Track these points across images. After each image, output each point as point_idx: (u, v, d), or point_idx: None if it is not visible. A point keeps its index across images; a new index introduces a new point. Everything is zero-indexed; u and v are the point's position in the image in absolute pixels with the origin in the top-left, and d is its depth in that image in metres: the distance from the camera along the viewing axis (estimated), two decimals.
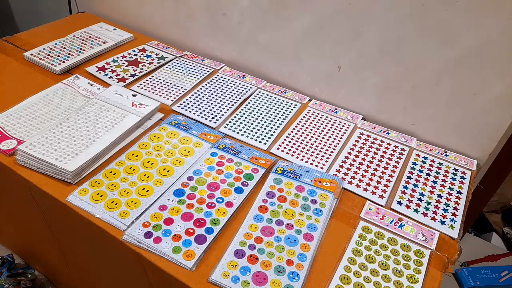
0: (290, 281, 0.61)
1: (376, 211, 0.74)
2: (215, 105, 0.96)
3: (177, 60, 1.11)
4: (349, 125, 0.94)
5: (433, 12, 0.77)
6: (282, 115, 0.95)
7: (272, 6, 0.96)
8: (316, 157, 0.85)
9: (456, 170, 0.85)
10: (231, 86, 1.03)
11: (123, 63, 1.07)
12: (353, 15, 0.86)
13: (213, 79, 1.05)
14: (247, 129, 0.91)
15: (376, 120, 0.97)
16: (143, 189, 0.73)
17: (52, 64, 1.01)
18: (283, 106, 0.98)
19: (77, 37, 1.14)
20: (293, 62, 1.02)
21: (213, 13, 1.07)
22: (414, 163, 0.85)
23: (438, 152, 0.88)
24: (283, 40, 1.00)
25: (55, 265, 1.08)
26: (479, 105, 0.82)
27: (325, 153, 0.86)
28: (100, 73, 1.02)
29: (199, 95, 0.99)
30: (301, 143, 0.88)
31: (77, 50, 1.08)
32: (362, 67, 0.92)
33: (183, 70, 1.07)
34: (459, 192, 0.80)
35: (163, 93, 0.98)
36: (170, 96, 0.98)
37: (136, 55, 1.11)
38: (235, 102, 0.98)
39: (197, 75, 1.06)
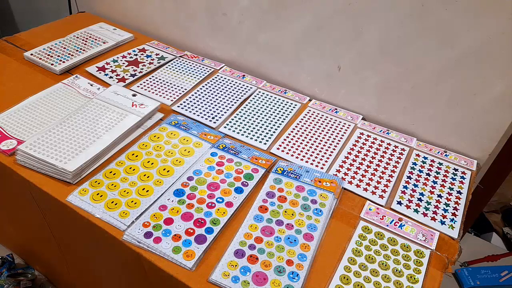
0: (290, 281, 0.61)
1: (376, 211, 0.74)
2: (215, 105, 0.96)
3: (177, 60, 1.11)
4: (349, 125, 0.94)
5: (433, 12, 0.77)
6: (282, 115, 0.95)
7: (272, 6, 0.96)
8: (316, 157, 0.85)
9: (456, 170, 0.85)
10: (231, 86, 1.03)
11: (123, 63, 1.07)
12: (353, 15, 0.86)
13: (213, 79, 1.05)
14: (247, 129, 0.91)
15: (376, 120, 0.97)
16: (143, 189, 0.73)
17: (52, 64, 1.02)
18: (283, 106, 0.98)
19: (77, 37, 1.14)
20: (293, 62, 1.02)
21: (213, 13, 1.07)
22: (414, 163, 0.85)
23: (438, 152, 0.88)
24: (283, 40, 1.00)
25: (55, 265, 1.08)
26: (479, 105, 0.82)
27: (325, 153, 0.86)
28: (100, 73, 1.02)
29: (199, 95, 0.99)
30: (301, 143, 0.88)
31: (77, 50, 1.08)
32: (362, 67, 0.92)
33: (183, 70, 1.07)
34: (459, 192, 0.80)
35: (163, 93, 0.98)
36: (170, 96, 0.98)
37: (136, 55, 1.11)
38: (235, 102, 0.98)
39: (197, 75, 1.06)
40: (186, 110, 0.94)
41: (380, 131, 0.93)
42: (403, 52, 0.85)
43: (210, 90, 1.01)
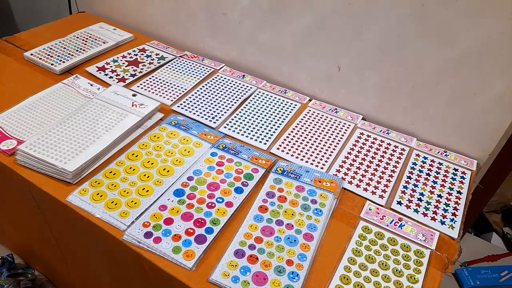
0: (290, 281, 0.61)
1: (376, 211, 0.74)
2: (215, 105, 0.96)
3: (177, 60, 1.11)
4: (349, 125, 0.94)
5: (433, 12, 0.77)
6: (282, 115, 0.95)
7: (272, 6, 0.96)
8: (316, 157, 0.85)
9: (456, 170, 0.85)
10: (231, 86, 1.03)
11: (123, 63, 1.07)
12: (353, 15, 0.86)
13: (213, 79, 1.05)
14: (247, 129, 0.91)
15: (376, 120, 0.97)
16: (143, 189, 0.73)
17: (52, 64, 1.02)
18: (283, 106, 0.98)
19: (77, 37, 1.14)
20: (293, 62, 1.02)
21: (213, 13, 1.07)
22: (414, 163, 0.85)
23: (438, 152, 0.88)
24: (283, 40, 1.00)
25: (55, 265, 1.08)
26: (479, 105, 0.82)
27: (325, 153, 0.86)
28: (100, 73, 1.02)
29: (199, 95, 0.99)
30: (301, 143, 0.88)
31: (77, 50, 1.08)
32: (362, 67, 0.92)
33: (183, 70, 1.07)
34: (459, 192, 0.80)
35: (163, 93, 0.98)
36: (170, 96, 0.98)
37: (136, 55, 1.11)
38: (235, 102, 0.98)
39: (197, 75, 1.06)
40: (186, 110, 0.94)
41: (380, 131, 0.93)
42: (403, 52, 0.85)
43: (210, 90, 1.01)
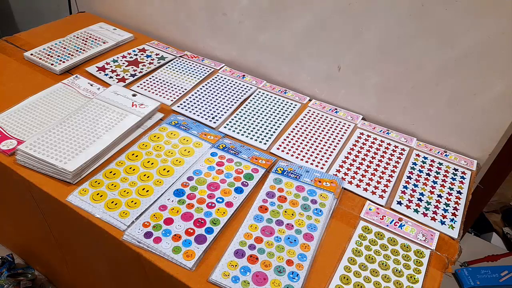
0: (290, 281, 0.61)
1: (376, 211, 0.74)
2: (215, 105, 0.96)
3: (177, 60, 1.11)
4: (349, 125, 0.94)
5: (433, 12, 0.77)
6: (282, 115, 0.95)
7: (272, 6, 0.96)
8: (316, 157, 0.85)
9: (456, 170, 0.85)
10: (231, 86, 1.03)
11: (123, 63, 1.07)
12: (353, 15, 0.86)
13: (213, 79, 1.05)
14: (247, 129, 0.91)
15: (376, 120, 0.97)
16: (143, 189, 0.73)
17: (52, 64, 1.01)
18: (283, 106, 0.98)
19: (77, 37, 1.14)
20: (293, 62, 1.02)
21: (213, 13, 1.07)
22: (414, 163, 0.85)
23: (438, 152, 0.88)
24: (283, 40, 1.00)
25: (55, 265, 1.08)
26: (479, 105, 0.82)
27: (325, 153, 0.86)
28: (100, 73, 1.02)
29: (199, 95, 0.99)
30: (301, 143, 0.88)
31: (77, 50, 1.08)
32: (362, 67, 0.92)
33: (183, 70, 1.07)
34: (459, 192, 0.80)
35: (163, 93, 0.98)
36: (170, 96, 0.98)
37: (136, 55, 1.11)
38: (235, 102, 0.98)
39: (197, 75, 1.06)
40: (186, 110, 0.94)
41: (380, 131, 0.93)
42: (403, 52, 0.85)
43: (210, 90, 1.01)
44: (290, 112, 0.97)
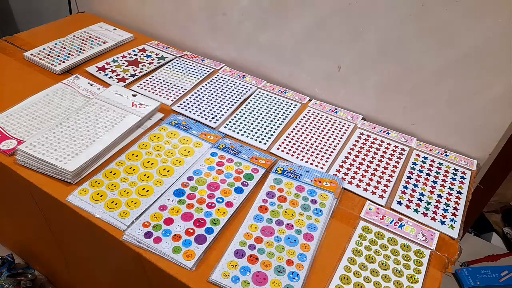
0: (290, 281, 0.61)
1: (376, 211, 0.74)
2: (215, 105, 0.96)
3: (177, 60, 1.11)
4: (349, 125, 0.94)
5: (433, 12, 0.77)
6: (282, 115, 0.95)
7: (272, 6, 0.96)
8: (316, 157, 0.85)
9: (456, 170, 0.85)
10: (231, 86, 1.03)
11: (123, 63, 1.07)
12: (353, 15, 0.86)
13: (213, 79, 1.05)
14: (247, 129, 0.91)
15: (376, 120, 0.97)
16: (143, 189, 0.73)
17: (52, 64, 1.02)
18: (283, 106, 0.98)
19: (77, 37, 1.14)
20: (293, 62, 1.02)
21: (213, 13, 1.07)
22: (414, 163, 0.85)
23: (438, 152, 0.88)
24: (283, 40, 1.00)
25: (55, 265, 1.08)
26: (479, 105, 0.82)
27: (325, 153, 0.86)
28: (100, 73, 1.02)
29: (199, 95, 0.99)
30: (301, 143, 0.88)
31: (77, 50, 1.08)
32: (362, 67, 0.92)
33: (183, 70, 1.07)
34: (459, 192, 0.80)
35: (163, 93, 0.98)
36: (170, 96, 0.98)
37: (136, 55, 1.11)
38: (235, 102, 0.98)
39: (197, 75, 1.06)
40: (186, 110, 0.94)
41: (380, 131, 0.93)
42: (403, 52, 0.85)
43: (210, 90, 1.01)
44: (290, 112, 0.97)
